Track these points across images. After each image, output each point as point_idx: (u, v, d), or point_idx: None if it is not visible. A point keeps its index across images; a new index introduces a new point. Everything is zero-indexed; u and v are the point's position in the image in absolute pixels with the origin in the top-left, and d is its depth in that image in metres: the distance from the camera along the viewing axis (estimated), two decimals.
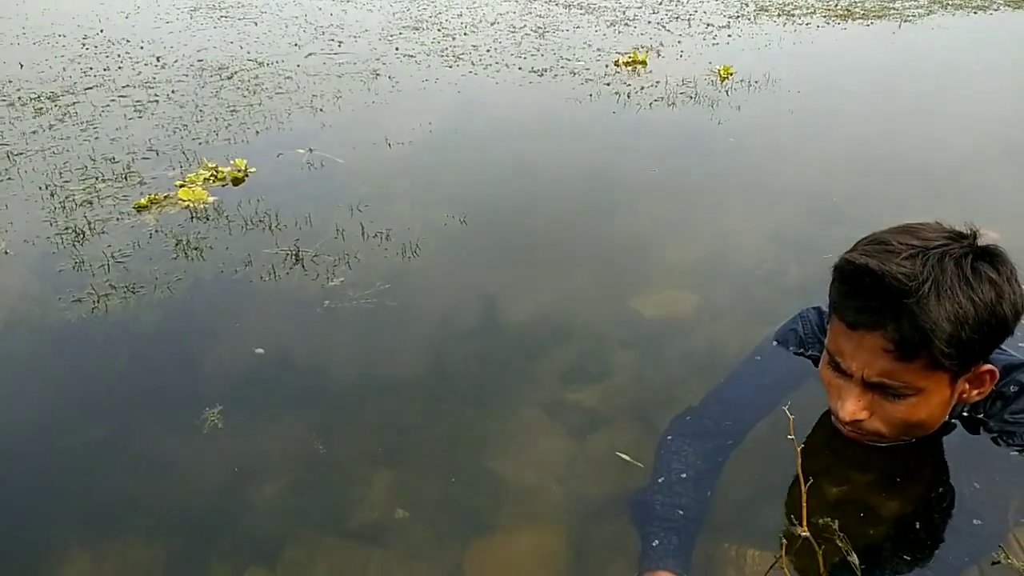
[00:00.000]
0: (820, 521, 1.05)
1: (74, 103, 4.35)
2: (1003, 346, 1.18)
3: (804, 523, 1.01)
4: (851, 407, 1.15)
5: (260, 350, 2.11)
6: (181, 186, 3.11)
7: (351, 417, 1.83)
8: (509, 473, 1.60)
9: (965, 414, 1.26)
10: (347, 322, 2.25)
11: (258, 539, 1.54)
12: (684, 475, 1.28)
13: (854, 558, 1.02)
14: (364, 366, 2.06)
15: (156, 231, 2.86)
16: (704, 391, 1.63)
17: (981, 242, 1.10)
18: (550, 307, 2.31)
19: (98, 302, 2.38)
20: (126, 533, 1.55)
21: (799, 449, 1.09)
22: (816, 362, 1.41)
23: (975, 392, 1.18)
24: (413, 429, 1.80)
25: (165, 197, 3.10)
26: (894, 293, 1.07)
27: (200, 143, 3.73)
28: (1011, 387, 1.22)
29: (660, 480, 1.28)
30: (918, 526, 1.17)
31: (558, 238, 2.76)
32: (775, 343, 1.49)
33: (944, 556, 1.15)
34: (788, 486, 1.39)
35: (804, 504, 1.03)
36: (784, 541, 1.04)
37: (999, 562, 1.08)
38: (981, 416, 1.26)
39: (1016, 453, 1.21)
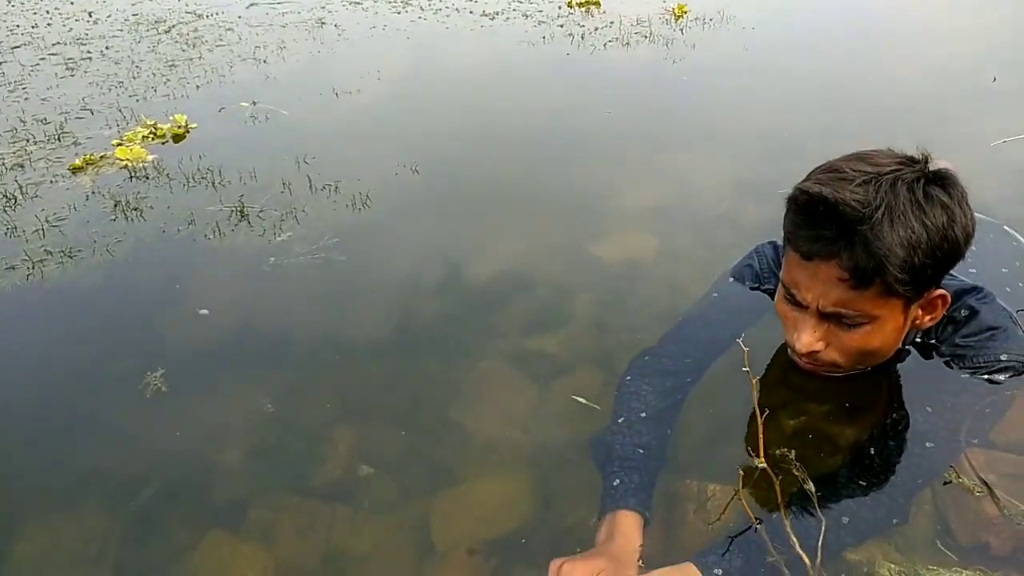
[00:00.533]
0: (777, 452, 1.09)
1: (0, 63, 4.17)
2: (952, 272, 1.21)
3: (761, 455, 1.04)
4: (807, 338, 1.18)
5: (204, 311, 2.08)
6: (118, 145, 3.01)
7: (306, 376, 1.80)
8: (473, 424, 1.61)
9: (918, 340, 1.30)
10: (295, 279, 2.22)
11: (219, 503, 1.51)
12: (643, 414, 1.30)
13: (810, 486, 1.06)
14: (316, 324, 1.98)
15: (93, 193, 2.78)
16: (663, 331, 1.64)
17: (933, 167, 1.12)
18: (508, 256, 2.31)
19: (33, 268, 2.32)
20: (80, 504, 1.51)
21: (755, 381, 1.12)
22: (773, 296, 1.43)
23: (928, 318, 1.21)
24: (373, 385, 1.77)
25: (101, 157, 3.01)
26: (848, 221, 1.09)
27: (138, 100, 3.61)
28: (962, 311, 1.26)
29: (620, 420, 1.31)
30: (872, 452, 1.22)
31: (513, 185, 2.75)
32: (731, 279, 1.51)
33: (898, 480, 1.19)
34: (747, 420, 1.42)
35: (761, 436, 1.06)
36: (742, 474, 1.07)
37: (950, 482, 1.13)
38: (933, 342, 1.30)
39: (967, 376, 1.25)
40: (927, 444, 1.20)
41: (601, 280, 2.15)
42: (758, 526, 1.03)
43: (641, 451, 1.26)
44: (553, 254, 2.27)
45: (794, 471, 1.06)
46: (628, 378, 1.41)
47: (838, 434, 1.29)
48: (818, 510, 1.10)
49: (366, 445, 1.58)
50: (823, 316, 1.17)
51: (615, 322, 1.95)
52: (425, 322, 1.96)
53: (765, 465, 1.03)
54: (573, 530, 1.35)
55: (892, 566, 1.06)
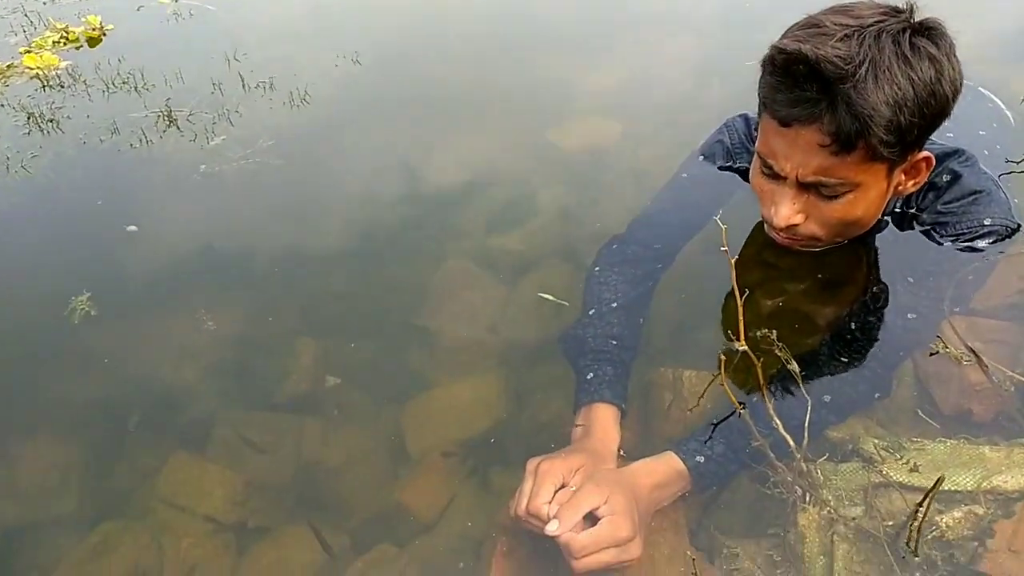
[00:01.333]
0: (758, 334, 1.08)
1: None
2: (931, 137, 1.19)
3: (741, 337, 1.04)
4: (785, 211, 1.15)
5: (133, 227, 1.99)
6: (26, 53, 2.82)
7: (257, 290, 1.75)
8: (440, 328, 1.59)
9: (897, 209, 1.29)
10: (233, 187, 2.11)
11: (180, 425, 1.48)
12: (614, 304, 1.28)
13: (794, 366, 1.06)
14: (261, 234, 1.90)
15: (2, 106, 2.61)
16: (630, 219, 1.60)
17: (918, 17, 1.08)
18: (464, 151, 2.23)
19: None
20: (34, 435, 1.49)
21: (733, 261, 1.10)
22: (745, 175, 1.41)
23: (911, 183, 1.19)
24: (332, 295, 1.72)
25: (8, 67, 2.81)
26: (829, 79, 1.04)
27: (44, 3, 3.36)
28: (943, 176, 1.24)
29: (591, 312, 1.29)
30: (853, 327, 1.22)
31: (464, 75, 2.63)
32: (701, 158, 1.47)
33: (880, 353, 1.20)
34: (721, 303, 1.41)
35: (741, 318, 1.05)
36: (722, 358, 1.06)
37: (937, 352, 1.14)
38: (913, 210, 1.29)
39: (949, 243, 1.24)
40: (909, 315, 1.20)
41: (564, 170, 2.10)
42: (741, 411, 1.04)
43: (614, 342, 1.25)
44: (512, 146, 2.21)
45: (777, 352, 1.05)
46: (597, 268, 1.39)
47: (817, 311, 1.29)
48: (801, 390, 1.10)
49: (331, 356, 1.55)
50: (802, 187, 1.14)
51: (580, 213, 1.92)
52: (380, 226, 1.89)
53: (745, 347, 1.03)
54: (547, 426, 1.36)
55: (876, 441, 1.07)
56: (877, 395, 1.16)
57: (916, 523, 0.89)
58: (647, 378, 1.35)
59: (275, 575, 1.28)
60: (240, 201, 2.06)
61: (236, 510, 1.35)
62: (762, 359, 1.03)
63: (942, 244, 1.24)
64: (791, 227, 1.17)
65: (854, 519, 0.97)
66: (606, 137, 2.20)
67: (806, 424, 1.04)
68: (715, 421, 1.11)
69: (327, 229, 1.94)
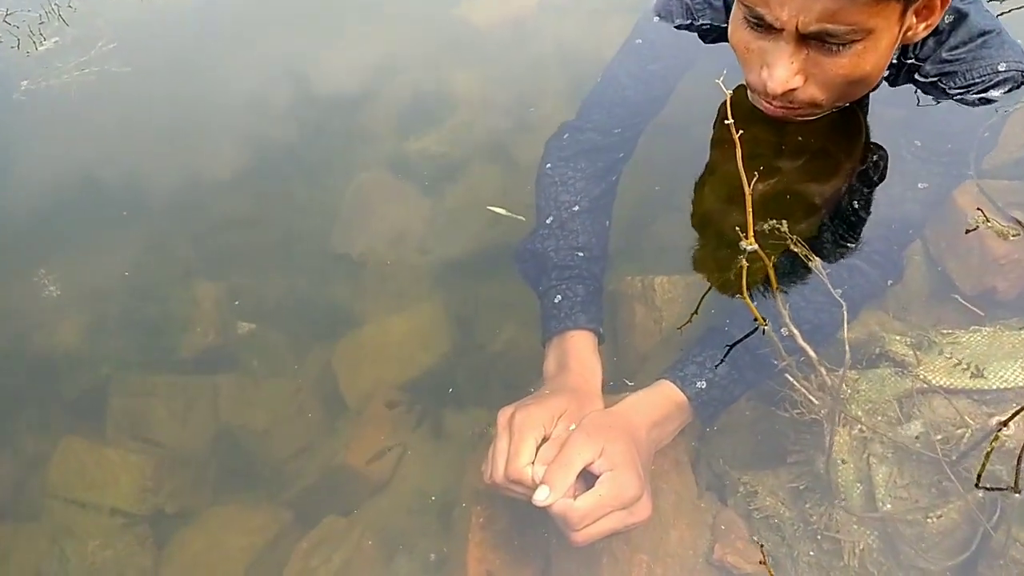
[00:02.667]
0: (765, 227, 0.89)
1: None
2: None
3: (750, 233, 0.84)
4: (782, 73, 0.93)
5: None
6: None
7: (130, 228, 1.50)
8: (362, 253, 1.41)
9: (894, 61, 1.09)
10: (63, 105, 1.76)
11: (66, 402, 1.30)
12: (576, 208, 1.08)
13: (816, 262, 0.88)
14: (115, 160, 1.63)
15: None
16: (565, 102, 1.40)
17: None
18: (360, 41, 1.91)
19: None
20: None
21: (738, 137, 0.89)
22: (707, 35, 1.18)
23: (923, 26, 0.99)
24: (228, 226, 1.51)
25: None
26: None
27: None
28: (946, 17, 1.05)
29: (548, 221, 1.08)
30: (856, 205, 1.04)
31: None
32: (656, 18, 1.23)
33: (889, 233, 1.03)
34: (691, 193, 1.22)
35: (749, 210, 0.86)
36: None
37: (976, 228, 0.97)
38: (912, 60, 1.09)
39: (959, 96, 1.06)
40: (919, 185, 1.03)
41: (478, 51, 1.84)
42: (766, 327, 0.84)
43: (580, 254, 1.04)
44: (414, 28, 1.90)
45: (792, 245, 0.86)
46: (548, 165, 1.16)
47: (812, 192, 1.10)
48: (810, 288, 0.93)
49: (239, 298, 1.38)
50: (802, 40, 0.92)
51: (506, 100, 1.68)
52: (272, 140, 1.65)
53: (755, 246, 0.83)
54: (501, 357, 1.24)
55: (899, 338, 0.91)
56: (889, 281, 0.99)
57: (988, 446, 0.73)
58: (611, 289, 1.18)
59: (207, 566, 1.15)
60: (85, 122, 1.72)
61: (148, 497, 1.19)
62: (773, 257, 0.84)
63: (952, 98, 1.05)
64: (788, 92, 0.96)
65: (892, 436, 0.80)
66: (522, 6, 1.91)
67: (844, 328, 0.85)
68: (728, 343, 0.93)
69: (205, 150, 1.66)
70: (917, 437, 0.81)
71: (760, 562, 0.58)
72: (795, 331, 0.84)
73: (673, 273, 1.15)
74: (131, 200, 1.56)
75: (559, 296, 1.01)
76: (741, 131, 0.90)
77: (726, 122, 0.87)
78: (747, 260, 0.92)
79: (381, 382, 1.24)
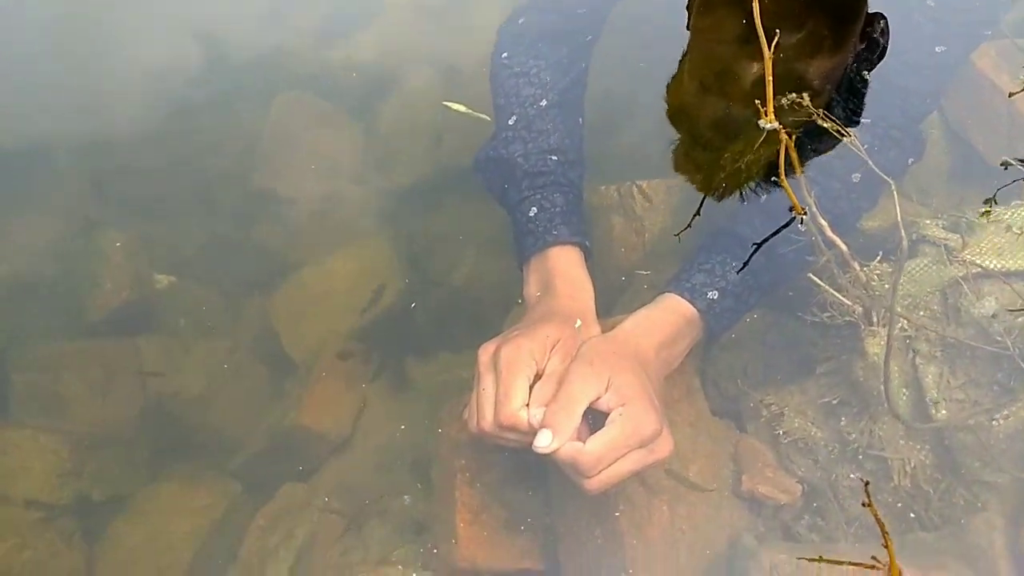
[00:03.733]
0: (784, 102, 0.74)
1: None
2: None
3: (770, 110, 0.70)
4: None
5: None
6: None
7: (9, 179, 1.33)
8: (290, 188, 1.27)
9: None
10: None
11: None
12: (543, 102, 0.94)
13: (853, 138, 0.74)
14: None
15: None
16: None
17: None
18: None
19: None
20: None
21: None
22: None
23: None
24: (130, 167, 1.33)
25: None
26: None
27: None
28: None
29: (512, 121, 0.93)
30: (867, 77, 0.91)
31: None
32: None
33: (906, 106, 0.91)
34: (659, 88, 1.07)
35: (769, 82, 0.71)
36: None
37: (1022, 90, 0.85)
38: None
39: None
40: (936, 49, 0.90)
41: None
42: (804, 216, 0.70)
43: (554, 157, 0.90)
44: None
45: (818, 120, 0.72)
46: (505, 55, 1.00)
47: (816, 66, 0.96)
48: (833, 170, 0.80)
49: (153, 248, 1.25)
50: None
51: None
52: (170, 69, 1.43)
53: (776, 124, 0.69)
54: (465, 291, 1.15)
55: (929, 222, 0.80)
56: (911, 160, 0.87)
57: None
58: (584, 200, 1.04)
59: (149, 558, 1.03)
60: None
61: (68, 483, 1.07)
62: (794, 136, 0.70)
63: None
64: None
65: (939, 331, 0.68)
66: None
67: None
68: (740, 245, 0.79)
69: (98, 89, 1.43)
70: (994, 315, 0.69)
71: (863, 503, 0.45)
72: (823, 222, 0.70)
73: (655, 176, 1.04)
74: (16, 148, 1.37)
75: (534, 208, 0.87)
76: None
77: None
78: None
79: (330, 333, 1.14)
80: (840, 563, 0.44)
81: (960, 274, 0.75)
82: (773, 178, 0.85)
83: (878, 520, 0.42)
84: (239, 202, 1.30)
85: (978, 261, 0.74)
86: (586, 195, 1.02)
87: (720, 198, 0.90)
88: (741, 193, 0.88)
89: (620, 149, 1.14)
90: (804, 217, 0.68)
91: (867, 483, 0.40)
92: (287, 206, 1.27)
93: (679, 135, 1.04)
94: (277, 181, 1.29)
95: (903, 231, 0.66)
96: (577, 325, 0.77)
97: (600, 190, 1.06)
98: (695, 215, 0.86)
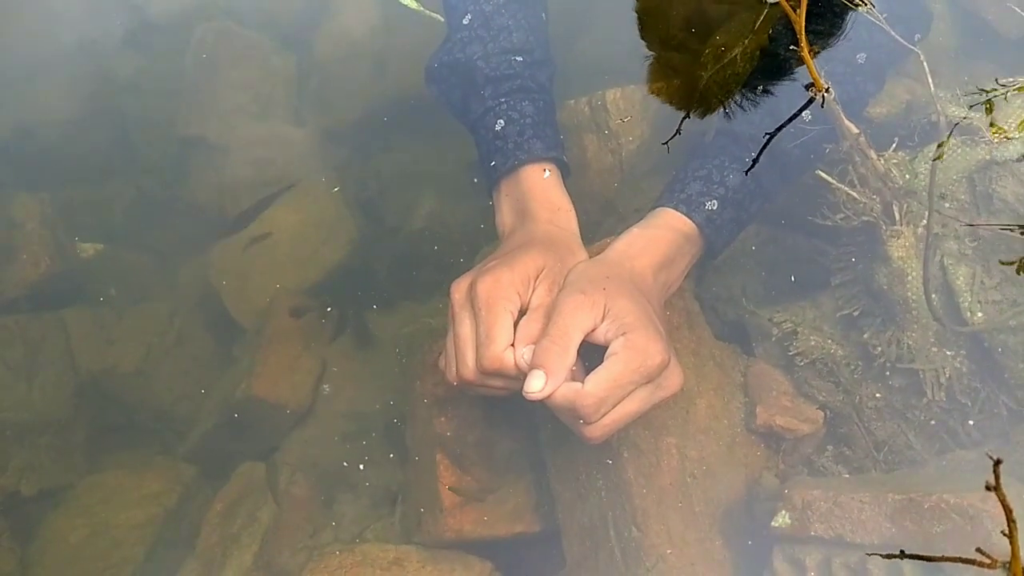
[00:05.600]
0: None
1: None
2: None
3: None
4: None
5: None
6: None
7: None
8: (222, 134, 1.16)
9: None
10: None
11: None
12: None
13: (869, 6, 0.63)
14: None
15: None
16: None
17: None
18: None
19: None
20: None
21: None
22: None
23: None
24: (40, 127, 1.21)
25: None
26: None
27: None
28: None
29: (467, 20, 0.84)
30: None
31: None
32: None
33: None
34: None
35: None
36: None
37: None
38: None
39: None
40: None
41: None
42: (825, 93, 0.60)
43: (519, 59, 0.80)
44: None
45: None
46: None
47: None
48: (835, 53, 0.70)
49: (73, 212, 1.15)
50: None
51: None
52: (72, 11, 1.28)
53: None
54: (426, 233, 1.05)
55: (949, 98, 0.69)
56: (918, 36, 0.78)
57: None
58: None
59: (96, 555, 0.92)
60: None
61: None
62: (799, 9, 0.59)
63: None
64: None
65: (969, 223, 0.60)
66: None
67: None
68: (736, 145, 0.69)
69: None
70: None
71: (987, 487, 0.34)
72: (837, 107, 0.60)
73: (628, 83, 0.92)
74: None
75: (501, 121, 0.76)
76: None
77: None
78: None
79: (279, 291, 1.04)
80: (940, 560, 0.34)
81: (988, 156, 0.65)
82: (766, 71, 0.76)
83: (1005, 507, 0.32)
84: (166, 153, 1.20)
85: (1011, 138, 0.64)
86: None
87: (707, 103, 0.79)
88: (731, 93, 0.78)
89: (585, 57, 1.04)
90: (825, 96, 0.58)
91: (998, 462, 0.30)
92: (219, 155, 1.16)
93: (651, 40, 0.94)
94: (205, 127, 1.17)
95: (938, 105, 0.55)
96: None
97: (568, 105, 0.96)
98: (684, 118, 0.76)
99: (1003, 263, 0.64)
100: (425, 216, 1.07)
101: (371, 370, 0.98)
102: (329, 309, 1.02)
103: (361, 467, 0.90)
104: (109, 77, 1.22)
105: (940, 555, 0.38)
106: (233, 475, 0.92)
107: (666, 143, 0.76)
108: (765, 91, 0.77)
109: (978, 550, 0.34)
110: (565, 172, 0.77)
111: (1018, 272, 0.63)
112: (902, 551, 0.40)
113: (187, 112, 1.19)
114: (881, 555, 0.49)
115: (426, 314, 0.95)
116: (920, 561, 0.44)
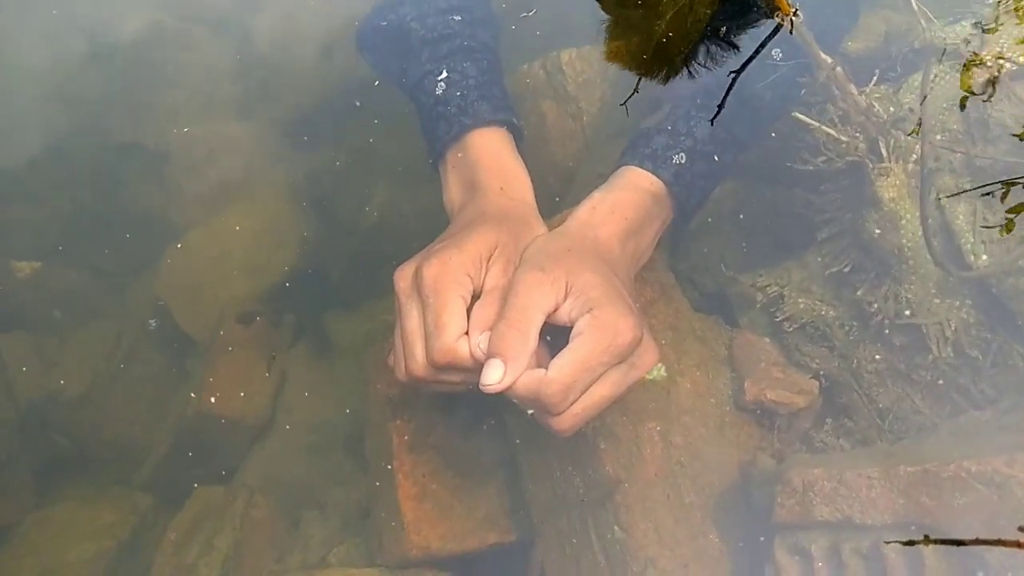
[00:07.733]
0: None
1: None
2: None
3: None
4: None
5: None
6: None
7: None
8: (161, 136, 1.11)
9: None
10: None
11: None
12: None
13: None
14: None
15: None
16: None
17: None
18: None
19: None
20: None
21: None
22: None
23: None
24: None
25: None
26: None
27: None
28: None
29: None
30: None
31: None
32: None
33: None
34: None
35: None
36: None
37: None
38: None
39: None
40: None
41: None
42: (794, 18, 0.53)
43: (456, 17, 0.74)
44: None
45: None
46: None
47: None
48: None
49: (6, 231, 1.10)
50: None
51: None
52: None
53: None
54: (382, 226, 1.00)
55: (936, 20, 0.62)
56: None
57: None
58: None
59: None
60: None
61: None
62: None
63: None
64: None
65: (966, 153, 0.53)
66: None
67: None
68: (705, 92, 0.62)
69: None
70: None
71: None
72: (808, 37, 0.53)
73: (584, 43, 0.88)
74: None
75: (441, 84, 0.69)
76: None
77: None
78: None
79: (231, 301, 0.99)
80: (974, 543, 0.27)
81: (983, 78, 0.58)
82: (730, 14, 0.69)
83: None
84: (102, 160, 1.14)
85: (1013, 56, 0.57)
86: (505, 79, 0.86)
87: (669, 57, 0.72)
88: (694, 42, 0.71)
89: (535, 17, 0.96)
90: (794, 20, 0.51)
91: None
92: (158, 160, 1.12)
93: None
94: (141, 130, 1.13)
95: (923, 22, 0.48)
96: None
97: (521, 70, 0.91)
98: (642, 76, 0.69)
99: (1009, 212, 0.57)
100: (381, 205, 1.02)
101: (334, 376, 0.93)
102: (284, 316, 0.95)
103: (326, 481, 0.84)
104: (36, 85, 1.16)
105: (972, 538, 0.31)
106: (187, 501, 0.86)
107: (623, 104, 0.69)
108: (730, 36, 0.70)
109: (1022, 529, 0.27)
110: (518, 136, 0.70)
111: (1002, 200, 0.57)
112: (926, 536, 0.33)
113: (122, 114, 1.14)
114: (901, 542, 0.41)
115: (384, 310, 0.89)
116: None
